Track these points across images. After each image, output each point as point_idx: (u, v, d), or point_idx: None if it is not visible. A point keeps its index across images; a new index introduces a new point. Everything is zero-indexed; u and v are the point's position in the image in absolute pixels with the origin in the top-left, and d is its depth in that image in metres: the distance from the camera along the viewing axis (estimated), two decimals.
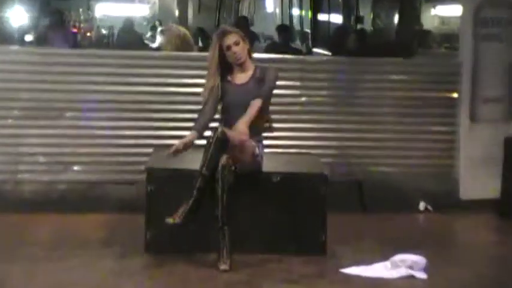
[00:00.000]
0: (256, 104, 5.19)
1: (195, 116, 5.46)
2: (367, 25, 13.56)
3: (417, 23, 12.98)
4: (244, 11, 17.89)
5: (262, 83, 5.29)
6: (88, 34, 21.01)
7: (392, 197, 6.85)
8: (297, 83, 6.57)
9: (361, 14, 13.65)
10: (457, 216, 6.55)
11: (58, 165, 6.30)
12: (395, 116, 6.67)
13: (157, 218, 5.05)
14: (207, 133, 5.17)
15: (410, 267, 4.97)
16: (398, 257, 5.04)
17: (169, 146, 5.26)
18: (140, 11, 25.56)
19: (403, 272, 4.95)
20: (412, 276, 4.92)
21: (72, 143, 6.29)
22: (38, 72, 6.30)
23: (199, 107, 5.40)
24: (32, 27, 14.43)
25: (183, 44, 6.95)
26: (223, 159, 4.93)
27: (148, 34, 18.31)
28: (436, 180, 6.76)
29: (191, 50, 7.12)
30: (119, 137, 6.34)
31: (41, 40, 9.87)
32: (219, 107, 5.36)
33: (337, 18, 14.14)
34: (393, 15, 13.30)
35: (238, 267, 4.93)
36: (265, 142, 5.45)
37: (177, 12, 20.63)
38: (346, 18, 13.96)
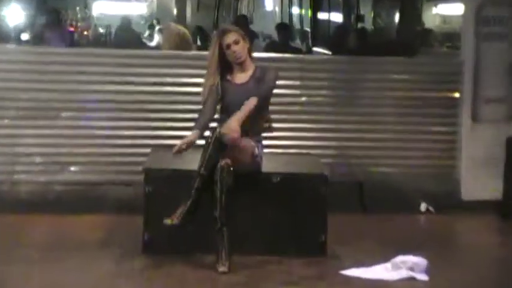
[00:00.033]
0: (251, 102, 5.10)
1: (194, 116, 5.43)
2: (368, 24, 13.57)
3: (418, 21, 12.94)
4: (243, 10, 17.87)
5: (262, 83, 5.24)
6: (85, 33, 21.04)
7: (392, 197, 6.82)
8: (297, 83, 6.54)
9: (362, 12, 13.65)
10: (458, 217, 6.52)
11: (55, 165, 6.27)
12: (396, 115, 6.64)
13: (155, 219, 5.01)
14: (206, 133, 5.13)
15: (411, 269, 4.93)
16: (399, 259, 5.00)
17: (167, 146, 5.23)
18: (138, 10, 25.58)
19: (403, 273, 4.91)
20: (413, 278, 4.89)
21: (69, 143, 6.27)
22: (34, 71, 6.28)
23: (198, 106, 5.36)
24: (28, 26, 14.45)
25: (181, 43, 6.93)
26: (222, 161, 4.89)
27: (146, 33, 18.31)
28: (437, 181, 6.72)
29: (190, 49, 7.10)
30: (116, 137, 6.31)
31: (38, 39, 9.86)
32: (218, 107, 5.31)
33: (337, 17, 14.14)
34: (394, 14, 13.30)
35: (237, 269, 4.89)
36: (265, 142, 5.41)
37: (175, 11, 20.61)
38: (347, 16, 13.95)
